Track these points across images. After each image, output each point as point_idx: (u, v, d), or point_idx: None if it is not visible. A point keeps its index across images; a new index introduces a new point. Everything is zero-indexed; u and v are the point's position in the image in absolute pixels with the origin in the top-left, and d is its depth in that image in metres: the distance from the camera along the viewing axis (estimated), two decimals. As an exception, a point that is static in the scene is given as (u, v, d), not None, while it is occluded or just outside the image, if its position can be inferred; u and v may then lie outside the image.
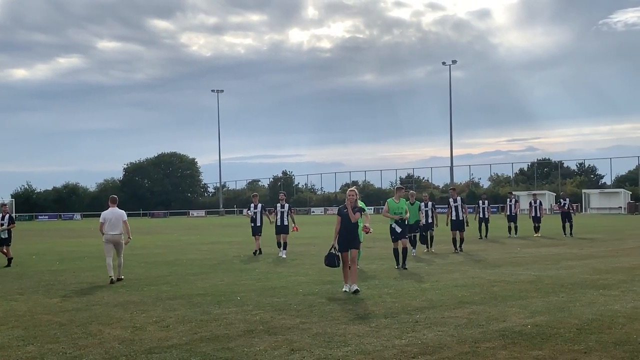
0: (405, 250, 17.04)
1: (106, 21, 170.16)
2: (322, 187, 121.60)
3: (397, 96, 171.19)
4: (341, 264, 13.07)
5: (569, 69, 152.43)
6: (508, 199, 31.52)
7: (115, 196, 16.15)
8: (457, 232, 22.60)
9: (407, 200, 18.87)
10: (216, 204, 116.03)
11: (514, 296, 11.91)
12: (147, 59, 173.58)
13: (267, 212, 22.97)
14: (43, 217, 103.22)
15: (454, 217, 22.92)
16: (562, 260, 18.43)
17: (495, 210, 48.79)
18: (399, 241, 16.94)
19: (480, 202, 29.41)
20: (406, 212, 16.82)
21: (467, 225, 23.81)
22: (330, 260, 12.96)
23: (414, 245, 20.91)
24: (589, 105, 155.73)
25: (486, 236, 28.80)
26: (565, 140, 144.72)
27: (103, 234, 15.52)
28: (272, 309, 10.91)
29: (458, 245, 22.48)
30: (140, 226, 57.61)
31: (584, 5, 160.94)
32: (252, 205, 23.02)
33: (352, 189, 13.09)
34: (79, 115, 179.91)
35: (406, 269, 16.52)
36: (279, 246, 21.64)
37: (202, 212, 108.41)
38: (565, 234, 30.00)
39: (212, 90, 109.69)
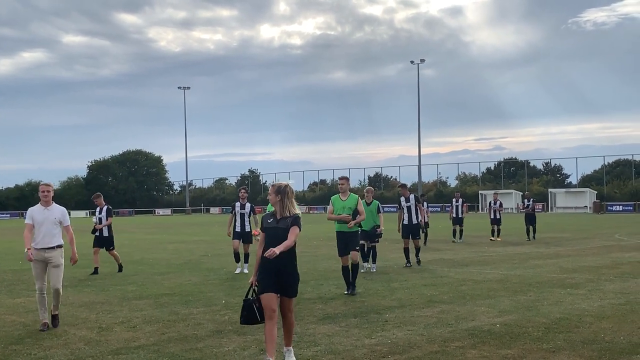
0: (355, 267, 12.69)
1: (72, 15, 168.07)
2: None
3: (369, 94, 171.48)
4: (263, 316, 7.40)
5: (538, 68, 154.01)
6: (454, 199, 27.76)
7: (49, 184, 10.21)
8: (409, 239, 17.68)
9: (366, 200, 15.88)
10: (182, 202, 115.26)
11: (483, 295, 11.96)
12: (114, 54, 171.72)
13: (111, 216, 17.33)
14: (4, 215, 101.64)
15: (405, 221, 17.76)
16: (529, 260, 18.59)
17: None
18: (347, 256, 12.75)
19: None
20: (360, 214, 12.78)
21: (424, 231, 22.90)
22: (249, 314, 7.48)
23: (373, 257, 16.59)
24: (558, 104, 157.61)
25: (425, 243, 24.26)
26: (533, 139, 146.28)
27: (28, 248, 9.56)
28: (240, 309, 10.80)
29: (415, 255, 17.79)
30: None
31: (554, 4, 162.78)
32: (98, 208, 17.33)
33: (279, 185, 7.54)
34: (42, 111, 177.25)
35: (355, 294, 12.39)
36: (237, 259, 16.60)
37: (168, 211, 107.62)
38: (528, 238, 27.34)
39: (179, 87, 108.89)
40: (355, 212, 12.64)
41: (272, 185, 7.56)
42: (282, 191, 7.37)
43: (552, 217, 57.36)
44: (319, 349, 7.97)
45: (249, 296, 7.49)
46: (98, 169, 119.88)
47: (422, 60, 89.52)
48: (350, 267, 12.65)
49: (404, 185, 18.86)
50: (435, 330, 8.96)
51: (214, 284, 14.31)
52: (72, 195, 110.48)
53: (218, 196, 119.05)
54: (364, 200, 15.46)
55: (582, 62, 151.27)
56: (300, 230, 7.29)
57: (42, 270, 9.63)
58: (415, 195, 18.11)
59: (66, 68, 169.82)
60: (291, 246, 7.23)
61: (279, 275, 7.25)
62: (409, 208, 17.71)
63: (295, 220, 7.34)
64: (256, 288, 7.43)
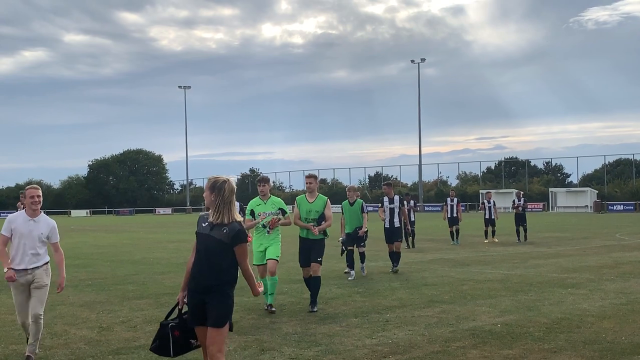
0: (315, 281, 10.90)
1: (73, 14, 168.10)
2: (290, 185, 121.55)
3: (370, 93, 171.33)
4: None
5: (540, 67, 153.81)
6: (448, 198, 26.33)
7: (39, 188, 8.09)
8: (394, 243, 16.22)
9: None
10: (183, 201, 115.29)
11: (483, 295, 11.95)
12: (115, 53, 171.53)
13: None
14: (4, 214, 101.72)
15: (387, 224, 16.50)
16: (530, 259, 18.57)
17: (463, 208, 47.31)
18: (309, 267, 11.00)
19: (405, 202, 19.81)
20: (326, 219, 11.02)
21: (410, 233, 22.41)
22: (161, 343, 5.79)
23: (361, 260, 15.42)
24: (559, 103, 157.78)
25: (413, 245, 23.57)
26: (534, 138, 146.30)
27: (9, 267, 7.65)
28: (241, 309, 10.80)
29: (394, 262, 16.13)
30: (106, 224, 57.07)
31: (555, 3, 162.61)
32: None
33: (216, 180, 5.84)
34: (43, 110, 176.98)
35: (315, 311, 10.60)
36: None
37: (168, 210, 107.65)
38: (519, 239, 26.05)
39: (179, 87, 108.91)
40: (322, 217, 11.03)
41: (208, 180, 5.84)
42: (217, 188, 5.70)
43: (552, 217, 57.36)
44: (320, 349, 7.96)
45: (168, 320, 5.86)
46: (99, 168, 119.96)
47: (423, 60, 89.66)
48: (311, 280, 10.98)
49: (389, 184, 17.59)
50: (437, 330, 8.95)
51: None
52: (73, 194, 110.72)
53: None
54: (346, 200, 15.17)
55: (583, 61, 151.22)
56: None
57: (26, 298, 7.74)
58: (400, 197, 17.02)
59: (67, 67, 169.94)
60: (250, 270, 5.82)
61: (205, 301, 5.58)
62: (391, 210, 16.48)
63: (238, 236, 5.59)
64: (182, 309, 5.81)
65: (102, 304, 11.65)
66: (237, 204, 15.93)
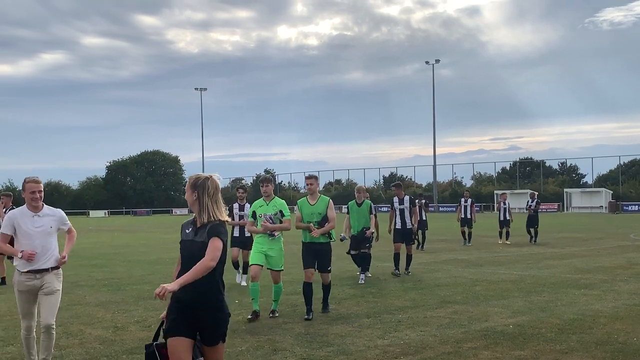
0: (326, 287, 10.78)
1: (91, 17, 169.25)
2: (305, 186, 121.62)
3: (385, 94, 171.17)
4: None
5: (555, 68, 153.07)
6: (462, 199, 25.88)
7: (39, 180, 7.46)
8: (402, 244, 15.95)
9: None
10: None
11: (496, 296, 11.96)
12: (132, 56, 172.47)
13: None
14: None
15: (398, 225, 16.06)
16: (544, 260, 18.53)
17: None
18: (312, 269, 10.55)
19: (417, 201, 18.72)
20: (329, 220, 10.46)
21: (417, 236, 20.14)
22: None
23: (365, 267, 14.70)
24: (574, 104, 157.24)
25: (422, 247, 22.90)
26: (549, 139, 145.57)
27: (22, 250, 7.03)
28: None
29: (405, 266, 16.00)
30: (124, 224, 57.39)
31: (571, 4, 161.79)
32: (4, 210, 14.18)
33: (197, 177, 5.36)
34: (61, 112, 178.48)
35: (328, 311, 10.65)
36: (236, 267, 14.53)
37: (185, 210, 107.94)
38: (530, 240, 25.69)
39: (195, 89, 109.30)
40: (325, 219, 10.52)
41: (189, 179, 5.30)
42: (199, 186, 5.18)
43: (567, 217, 57.10)
44: (331, 350, 8.01)
45: (158, 338, 5.23)
46: (116, 169, 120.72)
47: (437, 61, 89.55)
48: (322, 287, 10.75)
49: (398, 185, 17.07)
50: (448, 331, 8.99)
51: (228, 283, 14.33)
52: (91, 195, 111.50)
53: (234, 196, 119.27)
54: (353, 200, 14.77)
55: (598, 62, 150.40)
56: (223, 243, 5.05)
57: (32, 303, 7.06)
58: (410, 197, 16.48)
59: (86, 70, 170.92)
60: (207, 270, 4.93)
61: (195, 313, 5.00)
62: (401, 211, 16.05)
63: (214, 229, 5.05)
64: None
65: (117, 304, 11.77)
66: (248, 205, 15.04)
